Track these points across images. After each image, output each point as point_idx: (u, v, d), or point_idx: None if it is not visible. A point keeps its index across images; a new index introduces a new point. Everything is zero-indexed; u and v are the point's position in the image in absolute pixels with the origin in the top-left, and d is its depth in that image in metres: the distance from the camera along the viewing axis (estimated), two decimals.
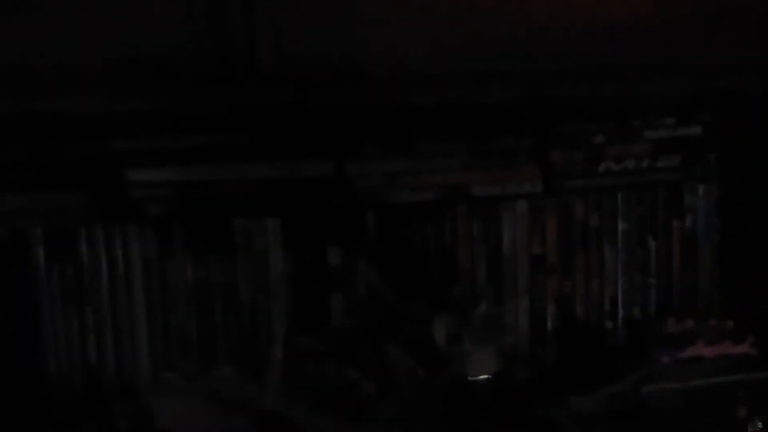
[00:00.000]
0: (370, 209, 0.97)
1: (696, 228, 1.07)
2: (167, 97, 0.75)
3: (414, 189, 0.99)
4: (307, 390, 0.78)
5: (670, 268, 1.07)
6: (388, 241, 0.99)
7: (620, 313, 1.05)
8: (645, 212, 1.05)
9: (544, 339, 1.03)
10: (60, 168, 0.88)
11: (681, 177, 1.06)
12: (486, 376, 0.89)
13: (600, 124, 1.03)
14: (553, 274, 1.02)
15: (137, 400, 0.85)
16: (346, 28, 0.78)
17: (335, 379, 0.78)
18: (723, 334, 0.98)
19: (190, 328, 0.94)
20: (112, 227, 0.91)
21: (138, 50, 0.71)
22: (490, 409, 0.87)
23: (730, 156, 1.07)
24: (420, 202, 0.99)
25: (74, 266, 0.91)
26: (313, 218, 0.96)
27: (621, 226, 1.05)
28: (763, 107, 1.02)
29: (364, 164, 0.96)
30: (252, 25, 0.73)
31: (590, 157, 1.03)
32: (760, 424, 0.82)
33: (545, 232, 1.03)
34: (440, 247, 1.00)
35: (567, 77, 0.89)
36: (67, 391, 0.88)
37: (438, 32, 0.82)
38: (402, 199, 0.99)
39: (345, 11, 0.77)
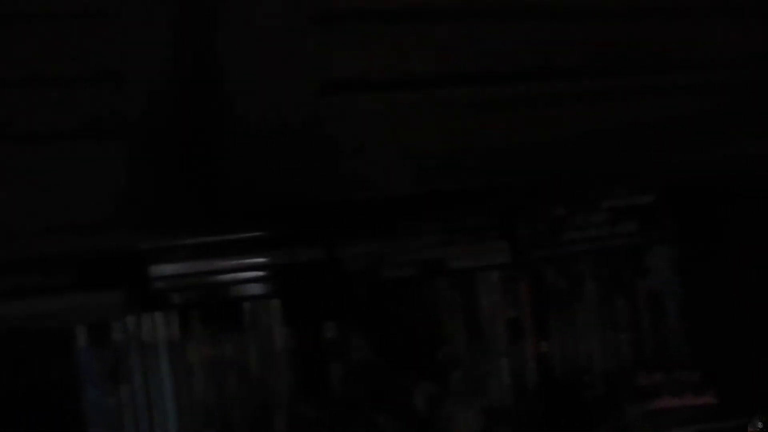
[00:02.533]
0: (360, 286, 1.06)
1: (659, 286, 1.11)
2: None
3: (398, 266, 1.07)
4: None
5: (639, 324, 1.11)
6: (378, 313, 1.07)
7: (596, 368, 1.09)
8: (610, 274, 1.11)
9: (527, 396, 1.08)
10: (96, 270, 1.01)
11: (640, 240, 1.11)
12: None
13: (560, 198, 1.10)
14: (530, 335, 1.08)
15: None
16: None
17: None
18: (689, 386, 1.01)
19: (209, 401, 1.03)
20: (141, 316, 1.03)
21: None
22: None
23: (687, 218, 1.12)
24: (404, 277, 1.07)
25: (111, 351, 1.02)
26: (310, 297, 1.05)
27: (588, 287, 1.10)
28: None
29: (352, 248, 1.06)
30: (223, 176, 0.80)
31: (553, 228, 1.10)
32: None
33: (519, 297, 1.09)
34: (424, 316, 1.07)
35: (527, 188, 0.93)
36: None
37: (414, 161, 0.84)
38: (388, 275, 1.07)
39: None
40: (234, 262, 1.04)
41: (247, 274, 1.05)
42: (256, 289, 1.05)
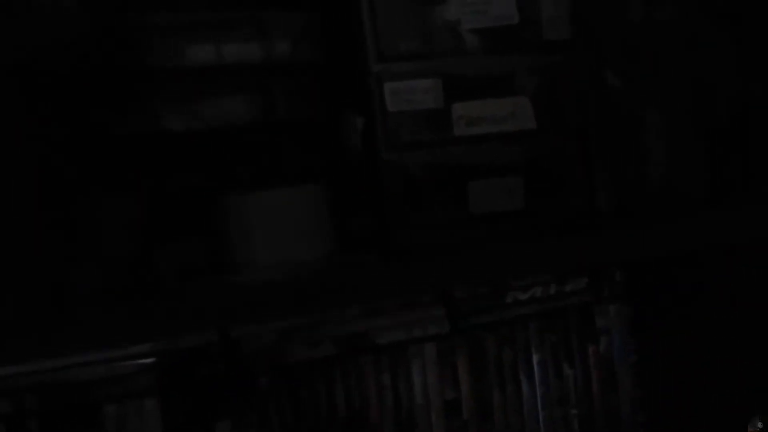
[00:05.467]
0: (262, 373, 0.79)
1: (612, 350, 0.93)
2: None
3: (310, 344, 0.82)
4: None
5: (591, 395, 0.92)
6: (286, 406, 0.80)
7: None
8: (558, 339, 0.91)
9: None
10: None
11: (590, 299, 0.92)
12: None
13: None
14: (471, 419, 0.86)
15: None
16: None
17: None
18: None
19: None
20: None
21: None
22: None
23: (638, 271, 0.94)
24: (318, 358, 0.82)
25: None
26: (197, 392, 0.77)
27: (535, 357, 0.89)
28: None
29: (252, 326, 0.79)
30: None
31: (496, 289, 0.88)
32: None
33: (457, 374, 0.87)
34: (345, 406, 0.82)
35: None
36: None
37: None
38: (298, 357, 0.81)
39: None
40: (92, 356, 0.74)
41: (110, 367, 0.75)
42: (123, 387, 0.75)
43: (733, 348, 0.86)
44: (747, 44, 0.67)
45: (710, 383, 0.88)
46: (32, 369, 0.71)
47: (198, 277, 0.65)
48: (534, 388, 0.89)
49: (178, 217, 0.68)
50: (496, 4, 0.64)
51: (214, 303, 0.64)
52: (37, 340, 0.66)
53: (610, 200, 0.68)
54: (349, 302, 0.71)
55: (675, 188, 0.70)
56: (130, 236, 0.64)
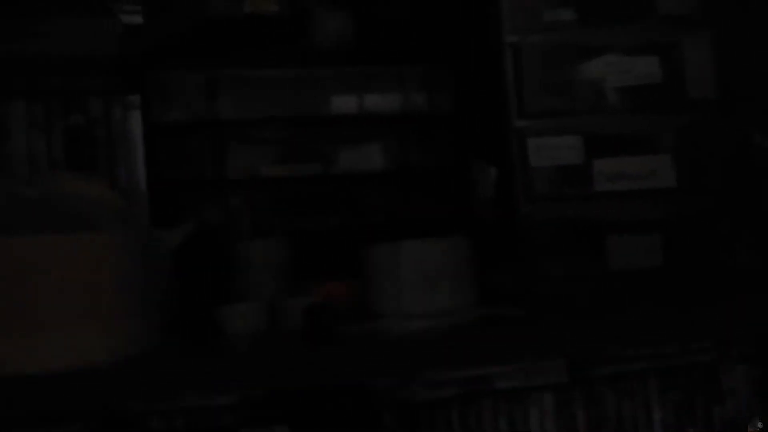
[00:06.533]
0: (387, 410, 0.81)
1: (739, 412, 0.88)
2: None
3: (434, 385, 0.83)
4: None
5: None
6: None
7: None
8: (681, 398, 0.88)
9: None
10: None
11: (716, 357, 0.89)
12: None
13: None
14: None
15: None
16: None
17: None
18: None
19: None
20: None
21: None
22: None
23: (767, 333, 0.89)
24: (441, 398, 0.83)
25: None
26: (325, 425, 0.80)
27: (657, 415, 0.87)
28: None
29: (388, 373, 0.80)
30: None
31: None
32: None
33: (576, 426, 0.85)
34: None
35: None
36: None
37: None
38: (421, 396, 0.82)
39: None
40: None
41: (245, 396, 0.79)
42: (257, 414, 0.79)
43: None
44: None
45: None
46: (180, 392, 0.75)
47: (342, 321, 0.68)
48: None
49: (324, 260, 0.71)
50: (640, 63, 0.64)
51: (355, 350, 0.66)
52: (185, 375, 0.71)
53: (754, 260, 0.66)
54: (486, 360, 0.71)
55: None
56: (278, 278, 0.67)
